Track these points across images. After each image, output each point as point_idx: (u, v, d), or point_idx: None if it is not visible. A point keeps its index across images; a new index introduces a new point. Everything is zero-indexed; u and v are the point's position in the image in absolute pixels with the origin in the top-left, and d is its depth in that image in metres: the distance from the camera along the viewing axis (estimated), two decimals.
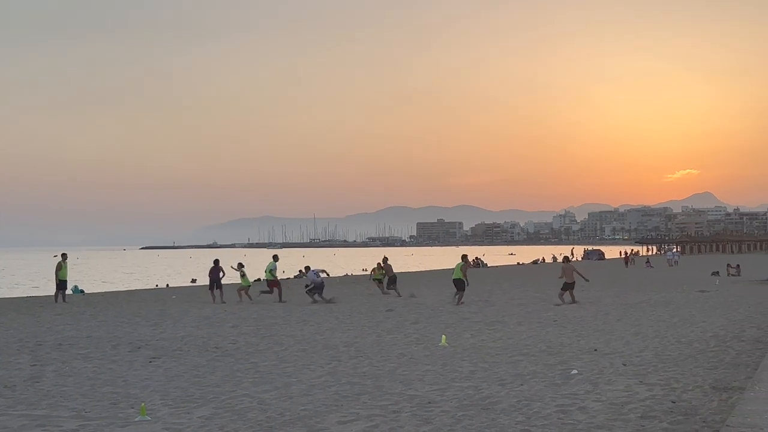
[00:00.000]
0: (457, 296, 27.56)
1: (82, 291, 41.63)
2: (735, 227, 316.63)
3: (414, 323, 21.38)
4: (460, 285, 27.44)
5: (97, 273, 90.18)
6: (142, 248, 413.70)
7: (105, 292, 42.84)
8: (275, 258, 31.37)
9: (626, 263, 75.10)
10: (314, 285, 29.66)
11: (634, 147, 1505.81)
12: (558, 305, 26.40)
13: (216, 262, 31.23)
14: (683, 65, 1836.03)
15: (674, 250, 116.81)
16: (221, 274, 30.79)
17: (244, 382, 12.47)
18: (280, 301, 29.70)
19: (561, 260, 33.75)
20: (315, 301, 28.97)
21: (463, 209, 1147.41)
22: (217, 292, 30.18)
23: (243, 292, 30.30)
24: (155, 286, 50.63)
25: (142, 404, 10.33)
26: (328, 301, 28.96)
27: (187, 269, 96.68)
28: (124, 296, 36.60)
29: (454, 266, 29.45)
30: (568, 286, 27.43)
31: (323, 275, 30.82)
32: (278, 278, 31.99)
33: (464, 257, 28.58)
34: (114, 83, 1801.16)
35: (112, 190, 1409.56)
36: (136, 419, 9.84)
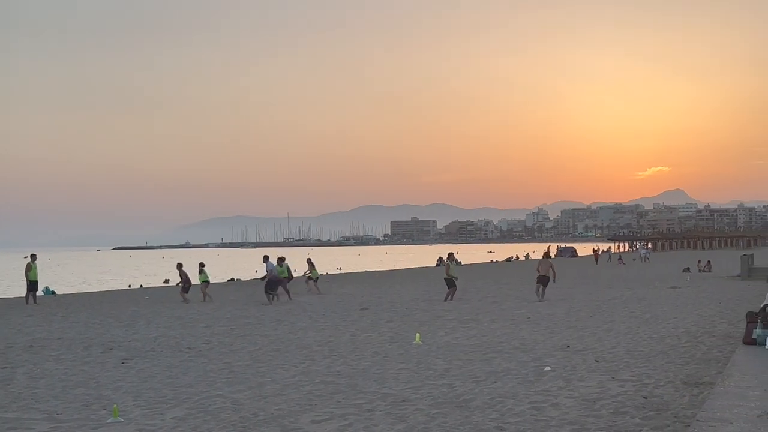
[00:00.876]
0: (449, 294, 28.41)
1: (53, 292, 41.17)
2: (706, 224, 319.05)
3: (388, 322, 21.39)
4: (451, 283, 28.62)
5: (69, 274, 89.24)
6: (114, 249, 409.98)
7: (77, 293, 42.44)
8: (281, 261, 31.70)
9: (596, 260, 75.68)
10: (268, 279, 29.06)
11: (606, 144, 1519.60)
12: (539, 302, 26.54)
13: (180, 265, 31.81)
14: (655, 64, 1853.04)
15: (646, 246, 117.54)
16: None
17: (218, 382, 12.42)
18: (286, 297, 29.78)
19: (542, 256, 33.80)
20: (271, 302, 28.12)
21: (437, 207, 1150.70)
22: (184, 294, 30.47)
23: (204, 291, 30.53)
24: (128, 287, 50.20)
25: (115, 406, 10.26)
26: (282, 300, 28.55)
27: (160, 269, 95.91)
28: (97, 297, 36.29)
29: (434, 265, 30.05)
30: (543, 280, 27.58)
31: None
32: (288, 278, 32.13)
33: (450, 255, 30.56)
34: (89, 85, 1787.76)
35: (83, 191, 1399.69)
36: (109, 421, 9.77)
